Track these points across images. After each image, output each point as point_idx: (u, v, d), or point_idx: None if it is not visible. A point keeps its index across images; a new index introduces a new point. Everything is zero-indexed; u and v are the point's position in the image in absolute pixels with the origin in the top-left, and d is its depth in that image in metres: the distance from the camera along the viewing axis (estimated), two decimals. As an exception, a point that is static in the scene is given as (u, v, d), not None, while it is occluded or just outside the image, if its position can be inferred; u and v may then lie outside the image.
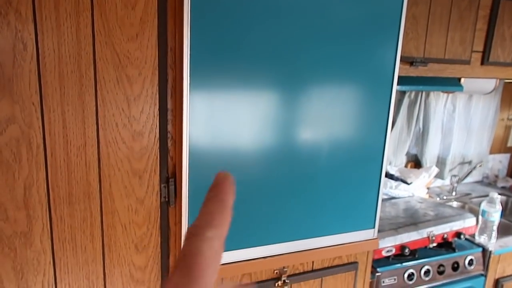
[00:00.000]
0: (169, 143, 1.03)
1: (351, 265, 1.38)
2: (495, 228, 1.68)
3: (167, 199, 1.05)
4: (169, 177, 1.05)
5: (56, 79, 0.89)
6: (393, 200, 1.90)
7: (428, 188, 2.19)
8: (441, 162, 2.25)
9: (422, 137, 2.17)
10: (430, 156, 2.19)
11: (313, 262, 1.31)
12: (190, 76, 0.97)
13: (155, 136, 1.00)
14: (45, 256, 0.95)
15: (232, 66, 1.02)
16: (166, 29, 0.97)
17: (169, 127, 1.03)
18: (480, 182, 2.47)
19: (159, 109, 1.00)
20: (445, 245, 1.64)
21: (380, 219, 1.64)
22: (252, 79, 1.05)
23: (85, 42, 0.90)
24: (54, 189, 0.93)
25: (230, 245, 1.13)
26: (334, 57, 1.13)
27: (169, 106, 1.01)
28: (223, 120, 1.04)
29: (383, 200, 1.89)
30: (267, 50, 1.04)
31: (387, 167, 2.08)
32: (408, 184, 1.97)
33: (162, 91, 0.99)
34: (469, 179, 2.41)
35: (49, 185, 0.93)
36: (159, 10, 0.94)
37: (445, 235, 1.61)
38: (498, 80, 1.93)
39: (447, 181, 2.30)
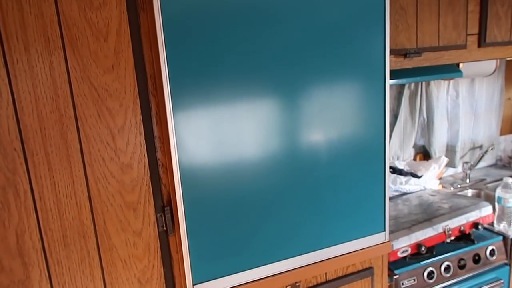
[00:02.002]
0: (161, 171, 1.01)
1: (367, 271, 1.33)
2: (513, 214, 1.61)
3: (165, 228, 1.02)
4: (165, 206, 1.02)
5: (35, 121, 0.87)
6: (404, 196, 1.84)
7: (440, 179, 2.12)
8: (450, 150, 2.18)
9: (427, 127, 2.10)
10: (438, 145, 2.12)
11: (326, 273, 1.26)
12: (172, 100, 0.94)
13: (145, 166, 0.98)
14: (46, 302, 0.93)
15: (215, 82, 0.99)
16: (142, 56, 0.94)
17: (159, 155, 1.00)
18: (494, 166, 2.39)
19: (145, 138, 0.97)
20: (463, 238, 1.57)
21: (393, 217, 1.59)
22: (240, 92, 1.02)
23: (60, 80, 0.88)
24: (47, 232, 0.91)
25: (238, 267, 1.09)
26: (324, 57, 1.10)
27: (156, 133, 0.99)
28: (214, 139, 1.01)
29: (394, 197, 1.84)
30: (251, 60, 1.01)
31: (395, 162, 2.02)
32: (418, 177, 1.91)
33: (146, 120, 0.96)
34: (482, 164, 2.33)
35: (41, 230, 0.90)
36: (132, 38, 0.92)
37: (462, 228, 1.55)
38: (498, 61, 1.86)
39: (459, 169, 2.23)
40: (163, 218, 1.02)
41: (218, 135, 1.01)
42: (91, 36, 0.88)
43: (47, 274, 0.92)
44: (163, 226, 1.02)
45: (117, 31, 0.91)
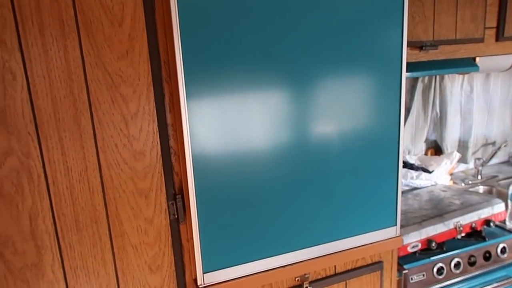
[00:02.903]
0: (173, 159, 1.00)
1: (376, 265, 1.33)
2: (526, 212, 1.59)
3: (176, 216, 1.02)
4: (176, 194, 1.02)
5: (49, 105, 0.87)
6: (415, 191, 1.82)
7: (451, 175, 2.10)
8: (463, 146, 2.15)
9: (440, 122, 2.07)
10: (450, 141, 2.09)
11: (335, 266, 1.26)
12: (186, 88, 0.93)
13: (157, 153, 0.97)
14: (58, 285, 0.94)
15: (230, 70, 0.98)
16: (157, 42, 0.93)
17: (171, 143, 1.00)
18: (506, 163, 2.35)
19: (158, 125, 0.96)
20: (475, 235, 1.56)
21: (403, 212, 1.58)
22: (253, 81, 1.01)
23: (74, 65, 0.87)
24: (60, 217, 0.91)
25: (248, 257, 1.09)
26: (339, 48, 1.08)
27: (169, 121, 0.98)
28: (226, 127, 1.00)
29: (404, 192, 1.82)
30: (266, 49, 1.00)
31: (406, 157, 2.00)
32: (429, 172, 1.89)
33: (159, 107, 0.96)
34: (494, 161, 2.30)
35: (54, 214, 0.91)
36: (147, 23, 0.91)
37: (473, 224, 1.53)
38: (516, 55, 1.82)
39: (471, 165, 2.20)
40: (174, 206, 1.01)
41: (231, 124, 1.00)
42: (106, 21, 0.88)
43: (59, 258, 0.93)
44: (174, 214, 1.02)
45: (132, 16, 0.90)
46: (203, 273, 1.04)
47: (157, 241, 1.02)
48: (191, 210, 0.99)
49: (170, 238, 1.03)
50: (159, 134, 0.97)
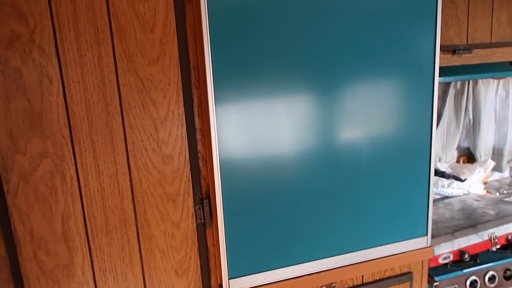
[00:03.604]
0: (200, 164, 1.01)
1: (405, 276, 1.29)
2: None
3: (203, 221, 1.02)
4: (203, 198, 1.02)
5: (83, 109, 0.89)
6: (446, 200, 1.76)
7: (485, 183, 2.01)
8: (497, 154, 2.07)
9: (473, 128, 2.00)
10: (484, 148, 2.01)
11: (363, 276, 1.23)
12: (214, 93, 0.94)
13: (185, 158, 0.98)
14: (88, 286, 0.96)
15: (258, 76, 0.98)
16: (187, 48, 0.94)
17: (199, 147, 1.00)
18: (544, 172, 2.24)
19: (187, 130, 0.97)
20: (511, 247, 1.48)
21: (434, 222, 1.52)
22: (281, 87, 1.00)
23: (107, 70, 0.89)
24: (91, 219, 0.93)
25: (274, 263, 1.08)
26: (370, 53, 1.06)
27: (197, 125, 0.99)
28: (254, 133, 1.00)
29: (435, 200, 1.76)
30: (295, 54, 0.99)
31: (437, 164, 1.93)
32: (462, 181, 1.82)
33: (188, 112, 0.97)
34: (531, 170, 2.19)
35: (85, 216, 0.93)
36: (177, 29, 0.92)
37: (510, 236, 1.46)
38: (556, 59, 1.74)
39: (506, 174, 2.10)
40: (201, 210, 1.02)
41: (258, 129, 1.00)
42: (138, 27, 0.89)
43: (89, 260, 0.95)
44: (201, 219, 1.02)
45: (163, 22, 0.91)
46: (229, 278, 1.03)
47: (183, 245, 1.02)
48: (217, 215, 0.99)
49: (196, 242, 1.03)
50: (188, 138, 0.97)
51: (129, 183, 0.95)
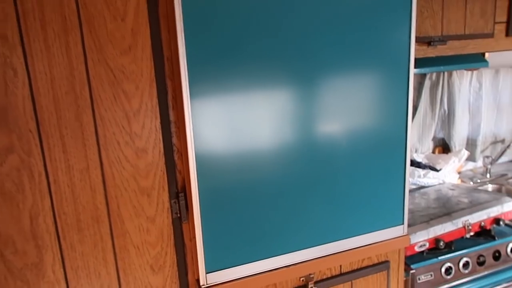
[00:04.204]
0: (176, 157, 0.99)
1: (382, 265, 1.30)
2: (537, 210, 1.56)
3: (179, 215, 1.00)
4: (179, 192, 1.00)
5: (51, 102, 0.85)
6: (422, 190, 1.79)
7: (459, 173, 2.06)
8: (471, 144, 2.12)
9: (448, 119, 2.04)
10: (458, 138, 2.06)
11: (341, 266, 1.24)
12: (189, 85, 0.91)
13: (160, 151, 0.96)
14: (59, 286, 0.93)
15: (234, 68, 0.96)
16: (160, 38, 0.92)
17: (174, 140, 0.98)
18: (515, 161, 2.32)
19: (161, 123, 0.95)
20: (484, 234, 1.53)
21: (410, 211, 1.55)
22: (258, 78, 0.98)
23: (76, 61, 0.85)
24: (61, 216, 0.90)
25: (252, 256, 1.07)
26: (345, 45, 1.05)
27: (172, 118, 0.97)
28: (231, 126, 0.98)
29: (411, 190, 1.79)
30: (271, 45, 0.98)
31: (413, 155, 1.97)
32: (437, 171, 1.86)
33: (162, 104, 0.94)
34: (503, 159, 2.26)
35: (55, 213, 0.89)
36: (150, 18, 0.89)
37: (483, 223, 1.50)
38: (526, 51, 1.78)
39: (479, 163, 2.16)
40: (177, 204, 1.00)
41: (234, 122, 0.98)
42: (109, 16, 0.86)
43: (60, 258, 0.92)
44: (177, 213, 1.00)
45: (135, 11, 0.88)
46: (206, 273, 1.02)
47: (159, 240, 1.00)
48: (193, 209, 0.97)
49: (172, 237, 1.01)
50: (162, 131, 0.95)
51: (101, 178, 0.92)
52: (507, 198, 1.58)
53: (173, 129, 0.97)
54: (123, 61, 0.89)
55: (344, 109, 1.10)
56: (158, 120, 0.94)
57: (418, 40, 1.42)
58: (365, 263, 1.28)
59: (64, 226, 0.90)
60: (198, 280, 1.04)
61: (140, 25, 0.89)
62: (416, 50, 1.43)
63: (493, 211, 1.53)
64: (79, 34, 0.85)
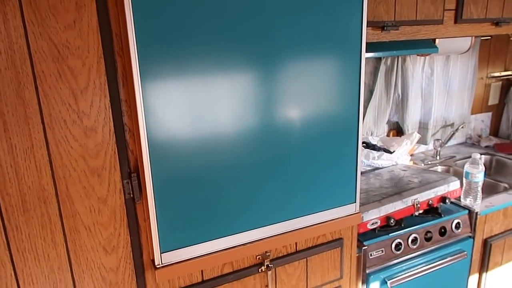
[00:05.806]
0: (127, 136, 0.97)
1: (336, 242, 1.35)
2: (479, 189, 1.66)
3: (132, 196, 0.99)
4: (132, 172, 0.98)
5: (-11, 78, 0.81)
6: (376, 171, 1.86)
7: (411, 155, 2.16)
8: (423, 128, 2.22)
9: (402, 104, 2.12)
10: (411, 122, 2.15)
11: (296, 244, 1.27)
12: (139, 62, 0.89)
13: (110, 130, 0.93)
14: (5, 269, 0.89)
15: (187, 47, 0.94)
16: (107, 12, 0.88)
17: (125, 119, 0.96)
18: (464, 144, 2.45)
19: (110, 101, 0.92)
20: (431, 211, 1.61)
21: (365, 191, 1.61)
22: (211, 59, 0.98)
23: (16, 34, 0.81)
24: (5, 197, 0.86)
25: (207, 235, 1.08)
26: (299, 27, 1.06)
27: (122, 96, 0.94)
28: (183, 105, 0.97)
29: (366, 172, 1.86)
30: (224, 26, 0.97)
31: (368, 138, 2.03)
32: (391, 153, 1.94)
33: (111, 81, 0.91)
34: (452, 142, 2.39)
35: (-3, 194, 0.86)
36: (95, -9, 0.86)
37: (430, 201, 1.59)
38: (473, 38, 1.88)
39: (430, 146, 2.27)
40: (129, 185, 0.98)
41: (188, 102, 0.97)
42: (50, -13, 0.82)
43: (5, 241, 0.88)
44: (129, 193, 0.99)
45: (79, -17, 0.84)
46: (161, 252, 1.02)
47: (111, 221, 0.98)
48: (147, 189, 0.96)
49: (125, 218, 1.00)
50: (112, 110, 0.93)
51: (47, 158, 0.89)
52: (453, 178, 1.68)
53: (124, 108, 0.95)
54: (68, 35, 0.85)
55: (298, 91, 1.11)
56: (108, 99, 0.92)
57: (372, 25, 1.45)
58: (319, 241, 1.32)
59: (8, 208, 0.87)
60: (153, 260, 1.04)
61: (85, -2, 0.85)
62: (370, 34, 1.47)
63: (440, 190, 1.62)
64: (18, 6, 0.80)
